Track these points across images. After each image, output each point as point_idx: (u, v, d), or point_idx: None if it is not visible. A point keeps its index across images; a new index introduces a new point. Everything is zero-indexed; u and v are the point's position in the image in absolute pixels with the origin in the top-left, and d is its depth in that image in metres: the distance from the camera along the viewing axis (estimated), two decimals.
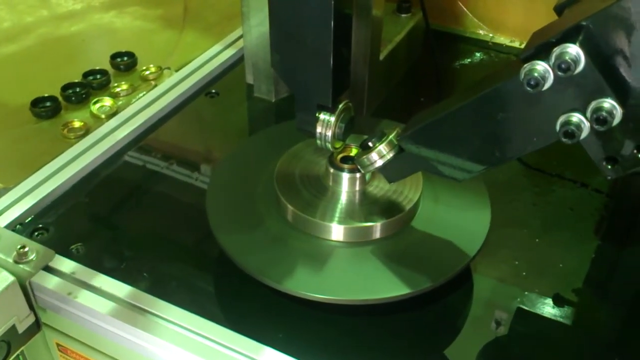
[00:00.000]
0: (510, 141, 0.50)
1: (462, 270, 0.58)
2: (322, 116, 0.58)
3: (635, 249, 0.70)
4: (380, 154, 0.57)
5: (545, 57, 0.44)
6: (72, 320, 0.61)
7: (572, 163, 0.78)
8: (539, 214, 0.71)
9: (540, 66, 0.44)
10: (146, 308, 0.58)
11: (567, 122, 0.46)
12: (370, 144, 0.57)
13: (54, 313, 0.62)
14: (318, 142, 0.59)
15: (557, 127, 0.46)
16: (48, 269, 0.62)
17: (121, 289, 0.60)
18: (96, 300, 0.59)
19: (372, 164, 0.57)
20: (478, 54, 1.02)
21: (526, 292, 0.62)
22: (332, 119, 0.58)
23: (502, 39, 1.04)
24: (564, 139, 0.46)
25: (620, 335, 0.61)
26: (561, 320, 0.60)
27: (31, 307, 0.62)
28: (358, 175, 0.61)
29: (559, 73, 0.44)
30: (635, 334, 0.60)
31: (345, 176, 0.61)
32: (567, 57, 0.43)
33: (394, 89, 0.92)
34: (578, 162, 0.78)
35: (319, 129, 0.58)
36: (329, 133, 0.58)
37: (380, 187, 0.62)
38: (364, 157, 0.57)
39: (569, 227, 0.70)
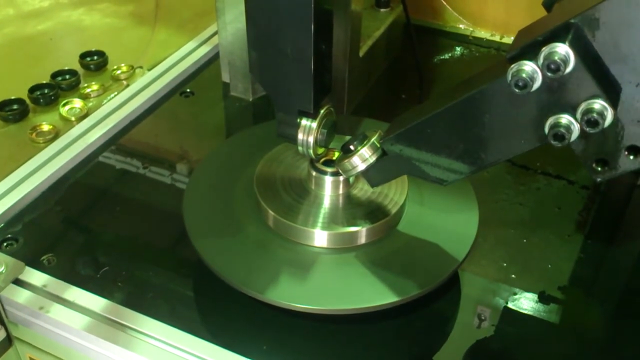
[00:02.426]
0: (497, 144, 0.49)
1: (450, 276, 0.56)
2: (304, 122, 0.56)
3: (623, 246, 0.70)
4: (362, 158, 0.55)
5: (533, 57, 0.43)
6: (45, 335, 0.59)
7: (558, 160, 0.78)
8: (526, 213, 0.70)
9: (528, 66, 0.43)
10: (122, 322, 0.57)
11: (556, 125, 0.44)
12: (351, 147, 0.56)
13: (26, 328, 0.60)
14: (300, 148, 0.57)
15: (546, 130, 0.45)
16: (18, 282, 0.60)
17: (95, 302, 0.58)
18: (69, 314, 0.57)
19: (354, 168, 0.55)
20: (458, 49, 1.01)
21: (515, 294, 0.62)
22: (314, 125, 0.56)
23: (483, 33, 1.03)
24: (553, 142, 0.45)
25: (611, 334, 0.61)
26: (549, 319, 0.60)
27: (2, 322, 0.60)
28: (341, 178, 0.59)
29: (548, 74, 0.42)
30: (625, 332, 0.60)
31: (328, 179, 0.60)
32: (556, 57, 0.42)
33: (374, 86, 0.91)
34: (563, 159, 0.78)
35: (300, 136, 0.56)
36: (311, 139, 0.56)
37: (364, 191, 0.61)
38: (346, 161, 0.56)
39: (557, 226, 0.69)
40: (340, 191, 0.60)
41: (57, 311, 0.57)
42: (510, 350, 0.59)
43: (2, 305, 0.59)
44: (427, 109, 0.51)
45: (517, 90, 0.44)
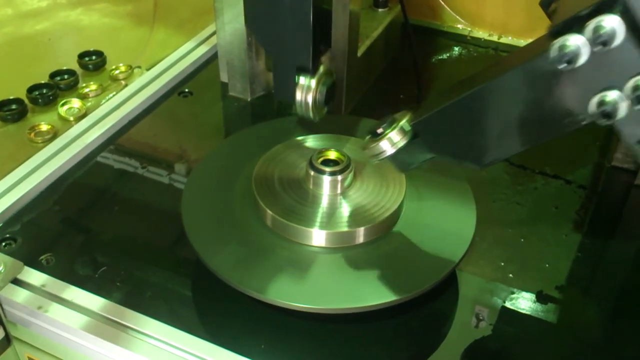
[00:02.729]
0: (537, 124, 0.46)
1: (447, 275, 0.56)
2: (302, 80, 0.54)
3: (620, 245, 0.70)
4: (391, 142, 0.53)
5: (578, 30, 0.40)
6: (44, 335, 0.59)
7: (555, 159, 0.78)
8: (524, 213, 0.71)
9: (574, 40, 0.40)
10: (121, 321, 0.57)
11: (602, 102, 0.42)
12: (379, 131, 0.53)
13: (25, 327, 0.60)
14: (298, 109, 0.55)
15: (592, 107, 0.43)
16: (17, 282, 0.60)
17: (94, 302, 0.58)
18: (68, 314, 0.57)
19: (382, 152, 0.53)
20: (456, 49, 1.01)
21: (512, 293, 0.62)
22: (312, 82, 0.54)
23: (481, 33, 1.03)
24: (600, 120, 0.43)
25: (608, 333, 0.61)
26: (547, 319, 0.60)
27: (0, 322, 0.60)
28: (339, 177, 0.59)
29: (596, 47, 0.40)
30: (623, 331, 0.60)
31: (326, 179, 0.60)
32: (604, 30, 0.39)
33: (372, 86, 0.91)
34: (561, 159, 0.78)
35: (298, 95, 0.55)
36: (310, 99, 0.54)
37: (362, 190, 0.61)
38: (374, 145, 0.53)
39: (554, 225, 0.69)
40: (338, 191, 0.60)
41: (56, 311, 0.57)
42: (508, 350, 0.59)
43: (1, 305, 0.59)
44: (461, 89, 0.49)
45: (561, 66, 0.41)
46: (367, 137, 0.56)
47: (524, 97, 0.46)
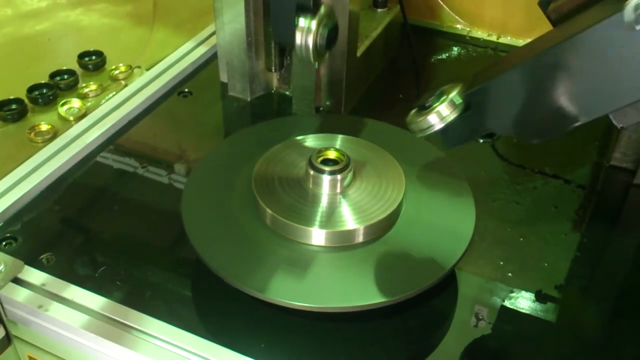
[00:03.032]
0: (604, 92, 0.43)
1: (447, 274, 0.56)
2: (302, 22, 0.52)
3: (619, 245, 0.70)
4: (440, 116, 0.50)
5: None
6: (44, 334, 0.59)
7: (554, 159, 0.78)
8: (523, 212, 0.71)
9: None
10: (121, 320, 0.57)
11: None
12: (427, 104, 0.51)
13: (25, 326, 0.60)
14: (298, 52, 0.53)
15: None
16: (17, 281, 0.60)
17: (94, 301, 0.58)
18: (68, 313, 0.57)
19: (429, 127, 0.51)
20: (455, 49, 1.01)
21: (512, 292, 0.62)
22: (313, 24, 0.52)
23: (480, 33, 1.03)
24: None
25: (607, 332, 0.61)
26: (546, 318, 0.60)
27: (1, 321, 0.60)
28: (339, 177, 0.60)
29: None
30: (622, 331, 0.60)
31: (326, 178, 0.60)
32: None
33: (372, 86, 0.91)
34: (560, 158, 0.78)
35: (298, 38, 0.52)
36: (310, 41, 0.52)
37: (362, 189, 0.61)
38: (420, 119, 0.51)
39: (553, 225, 0.69)
40: (338, 190, 0.60)
41: (56, 310, 0.57)
42: (507, 349, 0.59)
43: (1, 304, 0.59)
44: (518, 57, 0.46)
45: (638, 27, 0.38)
46: (413, 111, 0.53)
47: (591, 62, 0.42)
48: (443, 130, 0.51)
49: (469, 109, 0.49)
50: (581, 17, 0.45)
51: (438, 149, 0.70)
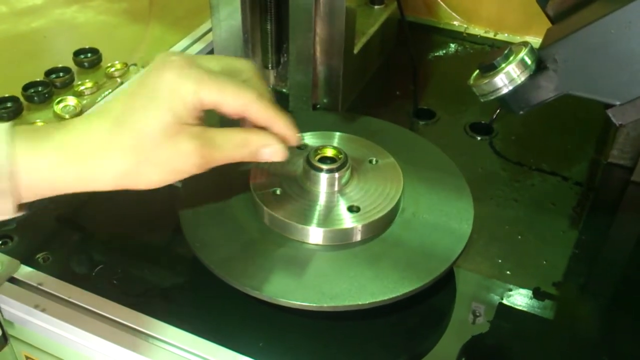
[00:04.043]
0: None
1: (445, 272, 0.56)
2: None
3: (617, 242, 0.70)
4: (509, 77, 0.46)
5: None
6: (41, 333, 0.59)
7: (552, 156, 0.78)
8: (521, 209, 0.71)
9: None
10: (118, 319, 0.57)
11: None
12: (494, 64, 0.46)
13: (22, 326, 0.60)
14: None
15: None
16: (13, 280, 0.60)
17: (91, 300, 0.58)
18: (65, 312, 0.57)
19: (496, 90, 0.47)
20: (452, 45, 1.01)
21: (510, 290, 0.62)
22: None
23: (477, 30, 1.04)
24: None
25: (605, 329, 0.61)
26: (544, 315, 0.60)
27: None
28: (337, 175, 0.59)
29: None
30: (620, 328, 0.60)
31: (324, 177, 0.59)
32: None
33: (369, 83, 0.91)
34: (558, 156, 0.78)
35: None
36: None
37: (359, 188, 0.61)
38: (486, 81, 0.47)
39: (551, 222, 0.70)
40: (336, 188, 0.60)
41: (53, 309, 0.57)
42: (505, 346, 0.59)
43: None
44: (603, 7, 0.42)
45: None
46: (476, 73, 0.49)
47: None
48: (510, 94, 0.47)
49: (543, 69, 0.45)
50: (582, 12, 0.44)
51: (436, 146, 0.70)
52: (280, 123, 0.52)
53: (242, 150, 0.51)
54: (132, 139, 0.48)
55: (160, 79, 0.48)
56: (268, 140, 0.52)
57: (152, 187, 0.50)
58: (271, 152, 0.52)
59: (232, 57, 0.55)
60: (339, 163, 0.60)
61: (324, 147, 0.61)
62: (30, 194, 0.49)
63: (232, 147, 0.51)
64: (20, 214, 0.49)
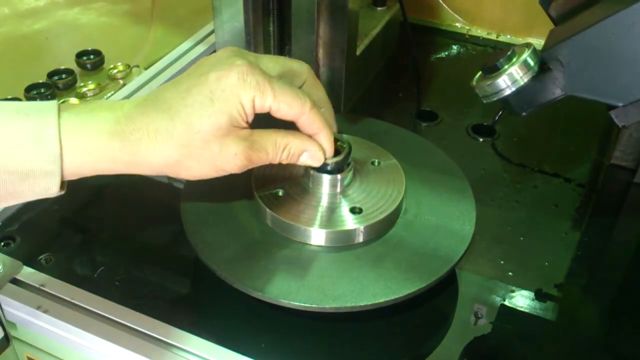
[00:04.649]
0: None
1: (447, 273, 0.56)
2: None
3: (619, 243, 0.70)
4: (512, 78, 0.46)
5: None
6: (43, 335, 0.59)
7: (554, 158, 0.78)
8: (523, 211, 0.71)
9: None
10: (120, 320, 0.57)
11: None
12: (496, 65, 0.47)
13: (24, 327, 0.60)
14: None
15: None
16: (16, 282, 0.60)
17: (93, 301, 0.58)
18: (67, 313, 0.57)
19: (499, 91, 0.47)
20: (455, 47, 1.01)
21: (512, 291, 0.61)
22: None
23: (479, 32, 1.04)
24: None
25: (607, 331, 0.61)
26: (546, 317, 0.60)
27: None
28: (339, 177, 0.59)
29: None
30: (622, 329, 0.60)
31: (326, 178, 0.59)
32: None
33: (371, 84, 0.91)
34: (560, 158, 0.78)
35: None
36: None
37: (362, 189, 0.61)
38: (489, 83, 0.47)
39: (553, 223, 0.69)
40: (338, 190, 0.60)
41: (55, 310, 0.57)
42: (507, 348, 0.59)
43: (0, 305, 0.59)
44: (606, 9, 0.42)
45: None
46: (479, 74, 0.50)
47: None
48: (513, 95, 0.47)
49: (545, 70, 0.46)
50: (584, 14, 0.44)
51: (438, 147, 0.70)
52: (323, 138, 0.55)
53: (284, 153, 0.53)
54: (185, 132, 0.48)
55: (222, 82, 0.49)
56: (308, 146, 0.54)
57: (193, 179, 0.51)
58: (309, 156, 0.54)
59: (289, 59, 0.56)
60: (343, 154, 0.58)
61: None
62: (74, 174, 0.49)
63: (275, 150, 0.53)
64: (61, 193, 0.49)
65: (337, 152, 0.58)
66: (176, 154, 0.49)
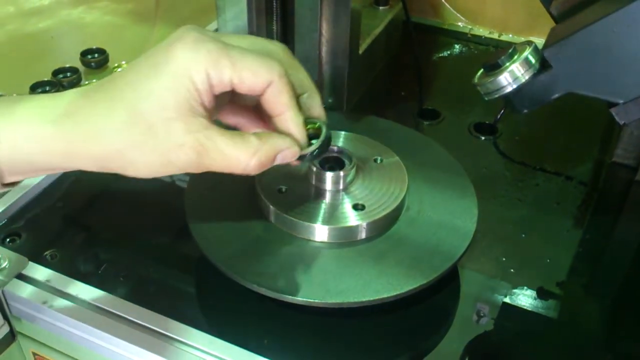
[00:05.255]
0: None
1: (449, 270, 0.57)
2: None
3: (621, 241, 0.70)
4: (513, 76, 0.46)
5: None
6: (48, 330, 0.59)
7: (556, 156, 0.78)
8: (525, 209, 0.71)
9: None
10: (125, 315, 0.57)
11: None
12: (498, 63, 0.47)
13: (29, 322, 0.60)
14: None
15: None
16: (21, 277, 0.60)
17: (99, 296, 0.58)
18: (73, 308, 0.57)
19: (500, 88, 0.47)
20: (457, 46, 1.01)
21: (514, 288, 0.62)
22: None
23: (481, 31, 1.04)
24: None
25: (609, 328, 0.61)
26: (548, 314, 0.60)
27: (5, 317, 0.60)
28: (342, 174, 0.60)
29: None
30: (624, 327, 0.60)
31: (329, 175, 0.60)
32: None
33: (373, 83, 0.91)
34: (562, 156, 0.79)
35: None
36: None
37: (364, 186, 0.61)
38: (490, 80, 0.47)
39: (555, 221, 0.70)
40: (341, 187, 0.60)
41: (61, 305, 0.57)
42: (509, 346, 0.59)
43: (6, 300, 0.59)
44: (606, 6, 0.42)
45: None
46: (480, 72, 0.50)
47: None
48: (514, 92, 0.47)
49: (547, 68, 0.46)
50: (585, 12, 0.44)
51: (440, 145, 0.71)
52: (290, 120, 0.46)
53: (252, 161, 0.45)
54: (125, 114, 0.42)
55: (169, 53, 0.42)
56: (280, 146, 0.46)
57: (141, 177, 0.44)
58: (282, 157, 0.47)
59: (263, 38, 0.49)
60: (319, 140, 0.50)
61: None
62: (9, 171, 0.44)
63: (237, 155, 0.44)
64: (4, 190, 0.46)
65: (315, 137, 0.52)
66: (117, 142, 0.42)
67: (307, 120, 0.50)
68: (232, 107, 0.51)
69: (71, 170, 0.46)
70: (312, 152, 0.49)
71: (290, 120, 0.46)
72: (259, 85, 0.44)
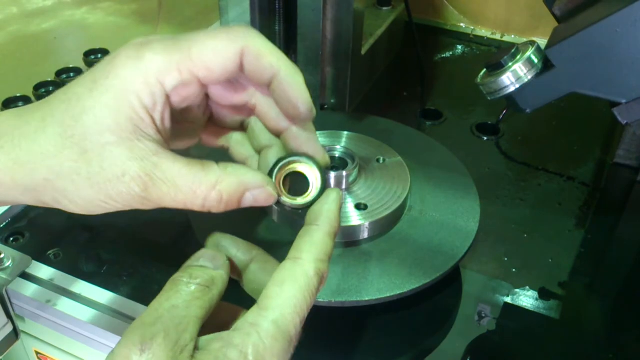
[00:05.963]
0: None
1: (452, 269, 0.57)
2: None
3: (623, 241, 0.70)
4: (516, 75, 0.47)
5: None
6: (52, 329, 0.59)
7: (558, 157, 0.78)
8: (527, 209, 0.71)
9: None
10: (128, 314, 0.57)
11: None
12: (501, 63, 0.47)
13: (33, 321, 0.60)
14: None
15: None
16: (25, 276, 0.60)
17: (102, 295, 0.58)
18: (76, 307, 0.58)
19: (503, 88, 0.47)
20: (459, 47, 1.01)
21: (516, 289, 0.62)
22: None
23: (483, 32, 1.04)
24: None
25: (611, 329, 0.61)
26: (550, 315, 0.60)
27: (8, 316, 0.60)
28: (344, 173, 0.60)
29: None
30: (625, 327, 0.60)
31: (332, 175, 0.60)
32: None
33: (376, 84, 0.91)
34: (564, 156, 0.79)
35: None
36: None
37: (367, 186, 0.61)
38: (493, 80, 0.47)
39: (557, 221, 0.70)
40: (343, 186, 0.61)
41: (64, 304, 0.58)
42: (510, 346, 0.59)
43: (9, 299, 0.59)
44: (609, 6, 0.42)
45: None
46: (483, 71, 0.50)
47: None
48: (517, 92, 0.47)
49: (549, 67, 0.46)
50: (588, 12, 0.44)
51: (443, 145, 0.71)
52: (288, 79, 0.37)
53: (212, 195, 0.37)
54: (55, 138, 0.35)
55: (109, 65, 0.36)
56: (249, 182, 0.38)
57: (86, 214, 0.37)
58: (254, 197, 0.39)
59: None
60: (311, 192, 0.45)
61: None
62: None
63: (193, 188, 0.36)
64: None
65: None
66: (43, 169, 0.35)
67: (296, 158, 0.41)
68: (215, 129, 0.45)
69: (8, 205, 0.39)
70: (298, 207, 0.40)
71: (298, 100, 0.37)
72: (229, 59, 0.35)
